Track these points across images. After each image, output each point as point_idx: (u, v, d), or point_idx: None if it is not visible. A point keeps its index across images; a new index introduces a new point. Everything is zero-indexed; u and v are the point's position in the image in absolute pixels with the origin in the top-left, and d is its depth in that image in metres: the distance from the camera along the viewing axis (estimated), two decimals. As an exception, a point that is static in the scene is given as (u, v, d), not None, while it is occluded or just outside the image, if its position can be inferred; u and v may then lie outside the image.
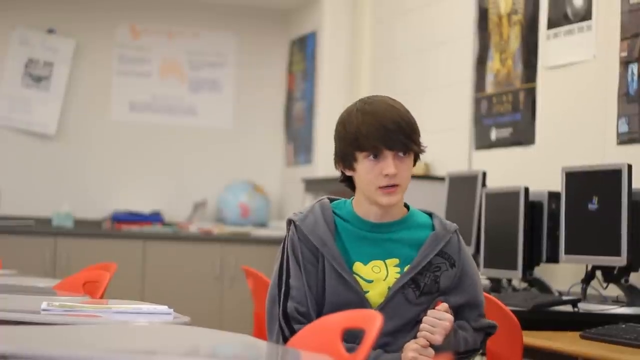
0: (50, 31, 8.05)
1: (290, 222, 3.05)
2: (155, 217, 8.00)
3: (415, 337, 2.98)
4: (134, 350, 2.33)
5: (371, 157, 2.96)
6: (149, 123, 8.23)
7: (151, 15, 8.29)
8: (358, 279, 3.00)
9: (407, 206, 3.11)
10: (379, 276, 3.01)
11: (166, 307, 3.07)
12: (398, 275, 3.01)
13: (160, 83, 8.28)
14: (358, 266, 3.02)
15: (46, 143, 8.04)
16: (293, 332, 2.94)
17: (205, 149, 8.33)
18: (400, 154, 2.96)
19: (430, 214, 3.11)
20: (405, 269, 3.02)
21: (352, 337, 2.66)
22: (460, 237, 3.09)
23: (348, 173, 3.03)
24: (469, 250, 3.17)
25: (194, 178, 8.28)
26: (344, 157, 3.01)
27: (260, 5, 8.39)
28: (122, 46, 8.22)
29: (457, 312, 3.04)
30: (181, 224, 8.04)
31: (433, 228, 3.07)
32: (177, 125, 8.28)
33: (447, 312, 2.95)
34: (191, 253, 7.73)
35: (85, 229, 7.83)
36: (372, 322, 2.34)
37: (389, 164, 2.94)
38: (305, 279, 3.00)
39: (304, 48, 8.13)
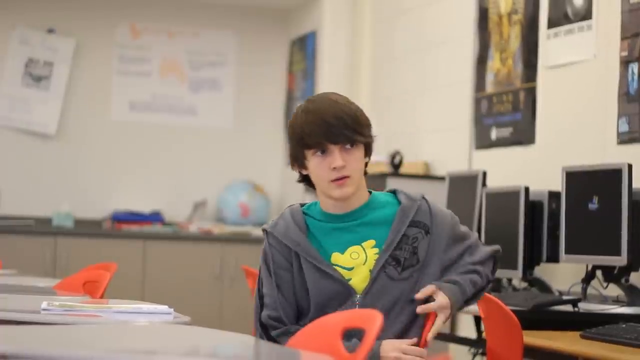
0: (50, 31, 8.05)
1: (263, 231, 3.15)
2: (155, 217, 8.00)
3: (409, 317, 3.03)
4: (134, 350, 2.33)
5: (318, 153, 3.03)
6: (149, 123, 8.23)
7: (151, 14, 8.29)
8: (338, 269, 3.05)
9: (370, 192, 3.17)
10: (358, 261, 3.06)
11: (166, 307, 3.07)
12: (377, 256, 3.06)
13: (160, 82, 8.28)
14: (336, 256, 3.07)
15: (46, 143, 8.04)
16: (271, 338, 3.05)
17: (205, 148, 8.33)
18: (348, 146, 3.02)
19: (394, 191, 3.17)
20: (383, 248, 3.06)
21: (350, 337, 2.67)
22: (431, 203, 3.13)
23: (303, 172, 3.10)
24: (446, 212, 3.18)
25: (194, 178, 8.28)
26: (296, 157, 3.09)
27: (261, 4, 8.39)
28: (122, 46, 8.22)
29: (457, 262, 3.11)
30: (181, 224, 8.04)
31: (400, 203, 3.12)
32: (177, 125, 8.28)
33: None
34: (191, 253, 7.73)
35: (86, 228, 7.83)
36: (372, 322, 2.34)
37: (336, 157, 3.01)
38: (276, 283, 3.07)
39: (304, 47, 8.13)
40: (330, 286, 3.04)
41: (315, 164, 3.04)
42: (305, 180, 3.12)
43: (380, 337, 2.99)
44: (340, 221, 3.10)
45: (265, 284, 3.10)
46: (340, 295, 3.03)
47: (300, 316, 3.09)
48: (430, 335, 3.04)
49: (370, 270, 3.05)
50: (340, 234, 3.09)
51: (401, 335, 3.03)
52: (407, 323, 3.05)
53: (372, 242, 3.08)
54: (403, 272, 3.05)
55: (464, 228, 3.19)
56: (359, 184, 3.07)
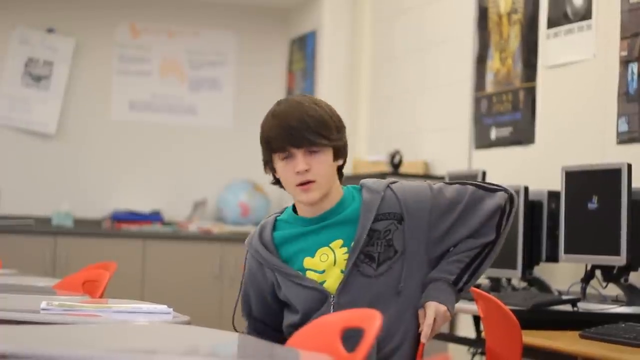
0: (50, 30, 8.05)
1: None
2: (155, 217, 8.00)
3: (398, 308, 3.00)
4: (134, 349, 2.33)
5: (283, 157, 3.01)
6: (148, 122, 8.23)
7: (151, 14, 8.29)
8: (311, 273, 3.04)
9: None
10: (328, 263, 3.04)
11: (166, 306, 3.08)
12: (347, 255, 3.02)
13: (160, 82, 8.28)
14: (307, 261, 3.06)
15: (46, 142, 8.03)
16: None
17: (205, 148, 8.32)
18: (314, 148, 2.99)
19: (361, 186, 3.12)
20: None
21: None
22: (398, 189, 3.05)
23: (276, 175, 3.09)
24: (421, 189, 3.07)
25: (194, 177, 8.28)
26: (266, 162, 3.08)
27: (260, 4, 8.39)
28: (122, 45, 8.22)
29: (450, 232, 3.04)
30: (181, 224, 8.04)
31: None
32: (177, 125, 8.28)
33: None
34: (191, 252, 7.73)
35: (85, 228, 7.83)
36: (372, 322, 2.34)
37: (299, 161, 2.98)
38: (247, 302, 3.27)
39: (303, 47, 8.13)
40: (306, 294, 3.04)
41: (281, 168, 3.02)
42: (278, 182, 3.10)
43: None
44: (310, 224, 3.08)
45: (242, 300, 3.26)
46: (318, 300, 3.02)
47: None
48: (424, 339, 3.01)
49: (342, 271, 3.02)
50: (308, 238, 3.07)
51: (391, 328, 3.00)
52: (396, 315, 3.00)
53: (339, 241, 3.04)
54: (380, 267, 3.00)
55: (450, 194, 3.06)
56: (329, 187, 3.03)
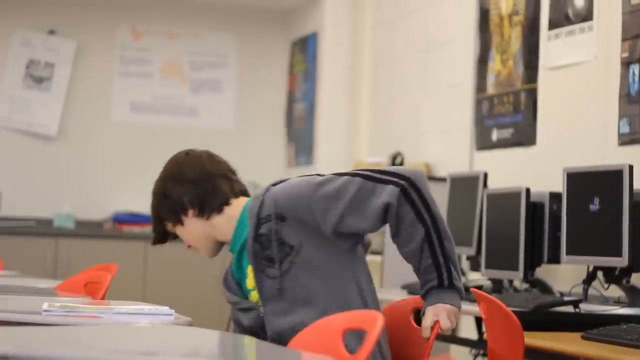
0: (51, 32, 8.05)
1: None
2: (156, 218, 7.99)
3: (326, 292, 3.01)
4: (136, 351, 2.33)
5: None
6: (150, 124, 8.23)
7: (152, 16, 8.29)
8: (252, 293, 3.14)
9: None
10: (250, 278, 3.15)
11: (167, 307, 3.08)
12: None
13: (161, 84, 8.28)
14: (249, 283, 3.17)
15: (47, 144, 8.04)
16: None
17: (206, 149, 8.30)
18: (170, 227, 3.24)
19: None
20: None
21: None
22: (274, 189, 3.09)
23: None
24: (300, 184, 3.06)
25: (195, 179, 8.26)
26: None
27: (261, 6, 8.39)
28: (123, 47, 8.23)
29: (342, 222, 3.00)
30: (182, 225, 8.04)
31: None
32: (178, 126, 8.28)
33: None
34: (192, 254, 7.66)
35: (87, 229, 7.83)
36: (373, 323, 2.35)
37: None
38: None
39: (305, 49, 8.13)
40: (250, 315, 3.14)
41: None
42: None
43: (306, 322, 2.92)
44: (232, 249, 3.21)
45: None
46: (256, 315, 3.11)
47: None
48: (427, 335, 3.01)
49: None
50: (241, 264, 3.18)
51: (326, 311, 2.97)
52: (326, 297, 3.01)
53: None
54: (282, 265, 3.04)
55: (335, 187, 2.99)
56: (208, 240, 3.20)
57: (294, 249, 3.02)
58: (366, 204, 2.96)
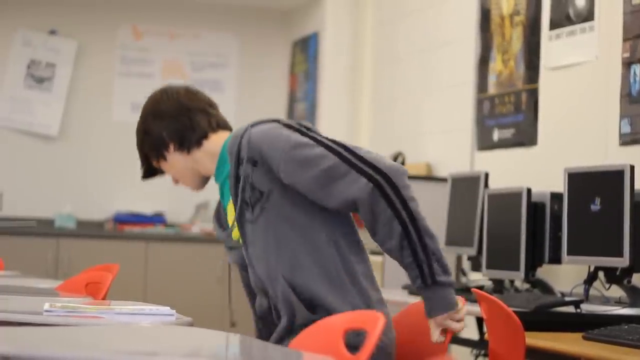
0: (52, 32, 8.05)
1: None
2: (157, 218, 8.00)
3: (297, 242, 2.99)
4: (137, 351, 2.33)
5: None
6: (151, 124, 8.22)
7: (153, 16, 8.29)
8: (234, 232, 3.16)
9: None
10: (231, 217, 3.18)
11: (168, 308, 3.07)
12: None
13: (162, 84, 8.23)
14: (229, 217, 3.21)
15: (48, 144, 8.04)
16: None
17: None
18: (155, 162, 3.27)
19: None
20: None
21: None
22: (255, 130, 3.01)
23: None
24: (280, 138, 2.99)
25: (196, 179, 8.27)
26: None
27: (262, 6, 8.40)
28: (124, 47, 8.23)
29: (305, 190, 2.96)
30: (183, 225, 8.04)
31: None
32: (179, 126, 8.27)
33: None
34: (193, 254, 7.73)
35: (88, 230, 7.83)
36: (375, 323, 2.35)
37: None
38: None
39: (306, 49, 8.13)
40: (234, 253, 3.23)
41: None
42: None
43: (275, 267, 2.97)
44: (217, 179, 3.25)
45: None
46: (241, 254, 3.18)
47: None
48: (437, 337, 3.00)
49: (234, 222, 3.12)
50: (224, 198, 3.24)
51: (297, 260, 2.97)
52: (297, 247, 2.99)
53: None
54: (254, 210, 3.03)
55: (309, 153, 2.93)
56: (193, 172, 3.24)
57: (263, 195, 3.01)
58: (333, 185, 2.90)
